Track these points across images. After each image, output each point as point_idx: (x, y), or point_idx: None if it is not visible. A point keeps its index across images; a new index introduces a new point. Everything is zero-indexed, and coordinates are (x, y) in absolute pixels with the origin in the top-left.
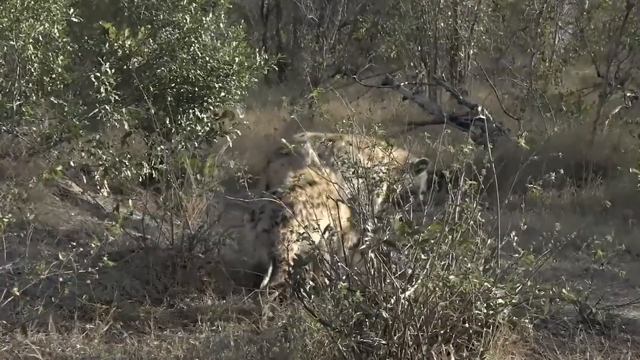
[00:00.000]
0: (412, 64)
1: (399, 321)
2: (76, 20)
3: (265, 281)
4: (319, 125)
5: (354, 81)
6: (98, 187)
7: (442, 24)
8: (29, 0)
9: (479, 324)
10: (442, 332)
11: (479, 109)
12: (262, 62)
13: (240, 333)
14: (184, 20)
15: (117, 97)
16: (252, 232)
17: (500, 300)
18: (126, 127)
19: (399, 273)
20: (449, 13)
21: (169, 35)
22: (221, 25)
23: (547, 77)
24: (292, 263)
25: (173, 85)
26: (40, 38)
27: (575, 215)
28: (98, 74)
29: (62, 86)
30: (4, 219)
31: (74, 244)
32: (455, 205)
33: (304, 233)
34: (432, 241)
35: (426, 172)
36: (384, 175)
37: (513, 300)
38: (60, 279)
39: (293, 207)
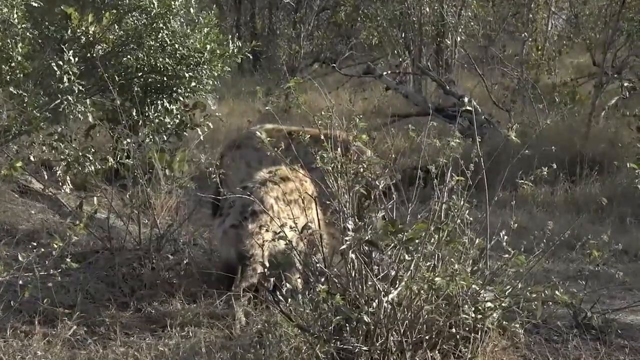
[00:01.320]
0: (395, 51)
1: (382, 326)
2: (36, 4)
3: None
4: (296, 117)
5: (333, 70)
6: (60, 184)
7: (427, 9)
8: None
9: (467, 329)
10: (427, 337)
11: (467, 100)
12: (235, 50)
13: (212, 339)
14: (152, 5)
15: (80, 87)
16: (219, 229)
17: (489, 304)
18: (90, 119)
19: (381, 275)
20: None
21: (135, 21)
22: (191, 10)
23: (539, 66)
24: (266, 263)
25: (140, 74)
26: None
27: (569, 214)
28: (60, 63)
29: (21, 75)
30: None
31: (35, 244)
32: (442, 203)
33: (279, 232)
34: (417, 241)
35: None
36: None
37: (503, 304)
38: (20, 282)
39: (263, 202)
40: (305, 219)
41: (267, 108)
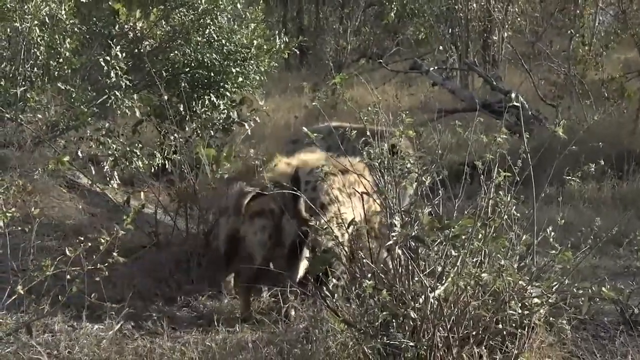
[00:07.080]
0: (442, 47)
1: (428, 322)
2: (84, 0)
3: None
4: (343, 113)
5: (380, 66)
6: (108, 179)
7: (474, 5)
8: None
9: (514, 324)
10: (473, 333)
11: (514, 95)
12: (282, 46)
13: (259, 334)
14: (199, 1)
15: (127, 83)
16: (289, 223)
17: (536, 300)
18: (137, 114)
19: (428, 271)
20: None
21: (182, 17)
22: (238, 5)
23: (586, 62)
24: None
25: (187, 70)
26: (47, 19)
27: (616, 210)
28: (107, 58)
29: (69, 71)
30: (8, 213)
31: (82, 239)
32: (489, 199)
33: (326, 228)
34: (464, 237)
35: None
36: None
37: (550, 300)
38: (68, 277)
39: (329, 195)
40: (363, 212)
41: (313, 103)
